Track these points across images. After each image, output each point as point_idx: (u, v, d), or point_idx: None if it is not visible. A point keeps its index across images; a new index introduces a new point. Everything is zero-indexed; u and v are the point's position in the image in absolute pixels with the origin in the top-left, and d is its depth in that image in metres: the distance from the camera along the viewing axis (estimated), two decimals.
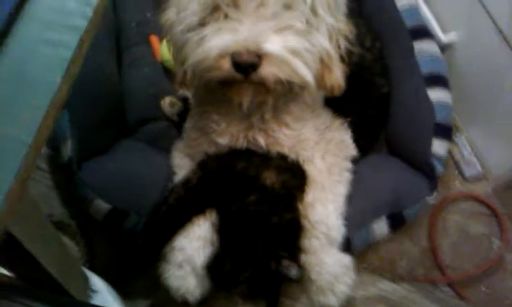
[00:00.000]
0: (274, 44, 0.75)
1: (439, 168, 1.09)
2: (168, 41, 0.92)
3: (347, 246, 1.02)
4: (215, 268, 0.96)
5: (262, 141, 0.98)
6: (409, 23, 1.22)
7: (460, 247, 1.31)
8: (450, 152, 1.40)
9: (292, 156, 1.00)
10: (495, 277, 1.28)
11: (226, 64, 0.77)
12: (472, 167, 1.37)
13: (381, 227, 1.07)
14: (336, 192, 1.02)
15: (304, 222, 0.99)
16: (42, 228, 0.66)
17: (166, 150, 1.16)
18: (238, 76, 0.78)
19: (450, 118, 1.13)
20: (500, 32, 1.15)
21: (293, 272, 0.90)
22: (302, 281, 1.01)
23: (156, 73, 1.36)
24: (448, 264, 1.29)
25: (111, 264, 1.21)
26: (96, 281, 1.01)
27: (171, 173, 1.09)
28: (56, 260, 0.69)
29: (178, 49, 0.86)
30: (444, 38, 1.33)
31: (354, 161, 1.08)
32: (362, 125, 1.15)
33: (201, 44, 0.78)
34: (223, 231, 0.96)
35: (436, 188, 1.10)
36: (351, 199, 1.05)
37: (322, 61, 0.84)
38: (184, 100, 1.25)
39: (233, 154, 1.00)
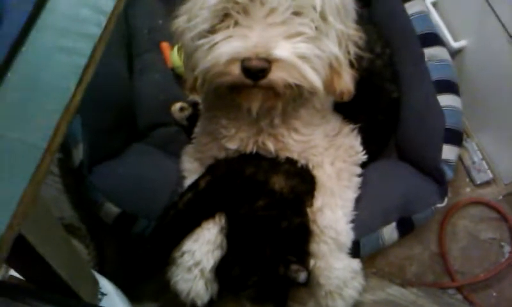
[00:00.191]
0: (283, 50, 0.76)
1: (449, 173, 1.08)
2: (178, 48, 0.93)
3: (356, 251, 1.02)
4: (224, 272, 0.96)
5: (271, 146, 0.98)
6: (419, 29, 1.22)
7: (470, 252, 1.31)
8: (460, 158, 1.39)
9: (301, 161, 1.01)
10: (505, 282, 1.28)
11: (236, 70, 0.77)
12: (482, 173, 1.36)
13: (390, 232, 1.07)
14: (345, 198, 1.03)
15: (313, 227, 0.99)
16: (53, 231, 0.66)
17: (176, 155, 1.16)
18: (247, 81, 0.78)
19: (461, 123, 1.12)
20: (511, 37, 1.15)
21: (301, 276, 0.91)
22: (310, 285, 1.01)
23: (166, 79, 1.37)
24: (458, 269, 1.28)
25: (120, 267, 1.22)
26: (106, 284, 1.02)
27: (180, 178, 1.10)
28: (66, 263, 0.70)
29: (189, 56, 0.87)
30: (454, 44, 1.33)
31: (363, 166, 1.08)
32: (372, 130, 1.15)
33: (211, 51, 0.79)
34: (231, 235, 0.97)
35: (446, 193, 1.09)
36: (360, 204, 1.05)
37: (331, 66, 0.84)
38: (194, 105, 1.26)
39: (242, 159, 1.00)
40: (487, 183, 1.37)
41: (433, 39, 1.21)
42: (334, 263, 0.98)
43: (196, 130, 1.12)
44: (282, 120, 0.96)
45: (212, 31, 0.80)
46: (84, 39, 0.51)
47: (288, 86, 0.79)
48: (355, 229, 1.02)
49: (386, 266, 1.27)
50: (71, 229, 1.22)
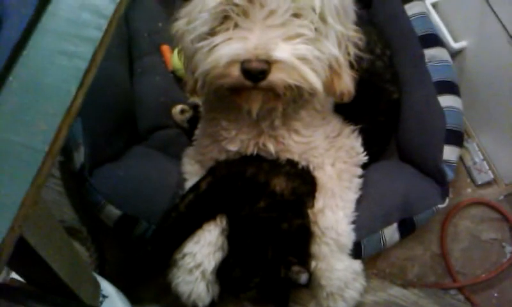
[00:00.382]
0: (283, 51, 0.76)
1: (450, 174, 1.09)
2: (178, 51, 0.93)
3: (357, 252, 1.02)
4: (225, 273, 0.96)
5: (271, 147, 0.98)
6: (420, 30, 1.23)
7: (471, 253, 1.31)
8: (461, 158, 1.39)
9: (302, 163, 1.01)
10: (506, 283, 1.28)
11: (236, 72, 0.77)
12: (483, 173, 1.36)
13: (391, 233, 1.07)
14: (346, 199, 1.03)
15: (314, 229, 0.99)
16: (55, 234, 0.67)
17: (177, 157, 1.17)
18: (247, 83, 0.78)
19: (461, 124, 1.13)
20: (511, 38, 1.15)
21: (303, 278, 0.91)
22: (311, 287, 1.01)
23: (167, 82, 1.38)
24: (459, 270, 1.28)
25: (121, 270, 1.22)
26: (107, 287, 1.02)
27: (181, 180, 1.10)
28: (67, 265, 0.70)
29: (189, 58, 0.87)
30: (454, 44, 1.33)
31: (364, 167, 1.08)
32: (373, 131, 1.15)
33: (211, 53, 0.79)
34: (233, 237, 0.97)
35: (447, 194, 1.10)
36: (361, 205, 1.05)
37: (331, 67, 0.84)
38: (195, 108, 1.26)
39: (243, 160, 1.00)
40: (488, 184, 1.37)
41: (433, 40, 1.22)
42: (335, 264, 0.98)
43: (197, 132, 1.12)
44: (282, 122, 0.96)
45: (211, 33, 0.80)
46: (84, 43, 0.51)
47: (288, 87, 0.79)
48: (356, 230, 1.02)
49: (388, 267, 1.27)
50: (72, 232, 1.22)
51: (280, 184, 0.97)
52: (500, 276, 1.28)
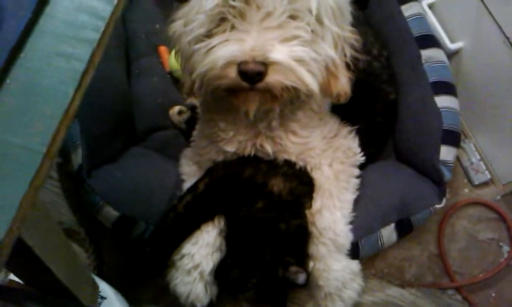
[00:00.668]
0: (279, 53, 0.76)
1: (447, 174, 1.09)
2: (176, 52, 0.93)
3: (355, 252, 1.03)
4: (223, 274, 0.97)
5: (269, 148, 0.98)
6: (416, 31, 1.23)
7: (468, 253, 1.31)
8: (458, 158, 1.40)
9: (299, 163, 1.01)
10: (504, 282, 1.28)
11: (233, 73, 0.77)
12: (480, 173, 1.36)
13: (389, 233, 1.07)
14: (344, 199, 1.03)
15: (312, 229, 0.99)
16: (53, 235, 0.67)
17: (175, 158, 1.17)
18: (244, 85, 0.78)
19: (458, 124, 1.13)
20: (507, 39, 1.15)
21: (301, 278, 0.91)
22: (309, 287, 1.01)
23: (164, 83, 1.38)
24: (457, 269, 1.29)
25: (119, 271, 1.22)
26: (105, 288, 1.02)
27: (179, 181, 1.11)
28: (66, 267, 0.70)
29: (186, 59, 0.87)
30: (451, 45, 1.34)
31: (362, 167, 1.09)
32: (370, 132, 1.16)
33: (208, 54, 0.79)
34: (230, 237, 0.97)
35: (445, 194, 1.10)
36: (359, 205, 1.06)
37: (327, 69, 0.85)
38: (192, 109, 1.26)
39: (241, 161, 1.01)
40: (485, 184, 1.38)
41: (430, 41, 1.22)
42: (333, 264, 0.99)
43: (195, 133, 1.12)
44: (280, 123, 0.97)
45: (208, 35, 0.81)
46: (82, 45, 0.51)
47: (285, 88, 0.80)
48: (354, 230, 1.03)
49: (385, 267, 1.28)
50: (70, 233, 1.22)
51: (277, 185, 0.97)
52: (498, 276, 1.28)
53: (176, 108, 1.30)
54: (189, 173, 1.10)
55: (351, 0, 0.89)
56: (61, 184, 1.32)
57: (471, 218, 1.35)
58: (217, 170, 1.01)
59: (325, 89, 0.87)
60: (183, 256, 0.97)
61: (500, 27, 1.17)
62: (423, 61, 1.19)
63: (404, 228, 1.09)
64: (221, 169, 1.01)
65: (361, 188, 1.08)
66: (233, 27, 0.78)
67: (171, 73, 1.40)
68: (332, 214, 1.00)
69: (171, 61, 1.37)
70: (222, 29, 0.79)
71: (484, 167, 1.37)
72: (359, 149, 1.08)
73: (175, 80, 1.39)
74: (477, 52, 1.31)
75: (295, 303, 1.15)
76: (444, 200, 1.10)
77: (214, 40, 0.79)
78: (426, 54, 1.20)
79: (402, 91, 1.23)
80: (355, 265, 1.02)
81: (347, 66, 0.89)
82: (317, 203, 1.01)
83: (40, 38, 0.51)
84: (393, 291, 1.24)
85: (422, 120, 1.16)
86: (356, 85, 0.92)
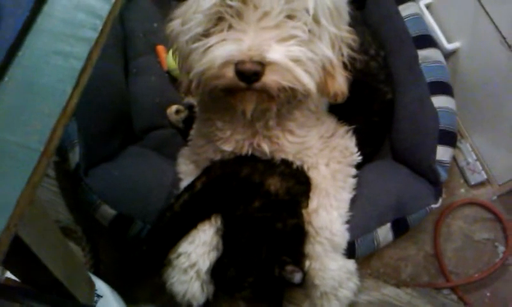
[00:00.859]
0: (276, 53, 0.76)
1: (443, 174, 1.09)
2: (173, 51, 0.94)
3: (351, 252, 1.03)
4: (219, 273, 0.97)
5: (266, 147, 0.98)
6: (413, 31, 1.24)
7: (464, 253, 1.31)
8: (454, 159, 1.40)
9: (296, 162, 1.01)
10: (499, 282, 1.29)
11: (230, 73, 0.78)
12: (477, 174, 1.37)
13: (385, 233, 1.08)
14: (340, 198, 1.03)
15: (309, 228, 1.00)
16: (50, 233, 0.67)
17: (172, 157, 1.17)
18: (241, 84, 0.79)
19: (455, 124, 1.13)
20: (504, 39, 1.16)
21: (297, 277, 0.91)
22: (305, 286, 1.01)
23: (162, 82, 1.38)
24: (452, 269, 1.29)
25: (116, 269, 1.22)
26: (102, 286, 1.02)
27: (176, 180, 1.11)
28: (62, 265, 0.70)
29: (184, 58, 0.87)
30: (448, 45, 1.34)
31: (358, 167, 1.09)
32: (367, 131, 1.16)
33: (206, 54, 0.80)
34: (227, 236, 0.97)
35: (441, 194, 1.10)
36: (355, 204, 1.06)
37: (324, 68, 0.85)
38: (190, 108, 1.26)
39: (238, 160, 1.01)
40: (481, 184, 1.38)
41: (427, 41, 1.23)
42: (329, 263, 0.99)
43: (192, 132, 1.12)
44: (277, 122, 0.97)
45: (206, 34, 0.81)
46: (80, 43, 0.51)
47: (282, 88, 0.80)
48: (350, 230, 1.03)
49: (381, 267, 1.28)
50: (67, 232, 1.22)
51: (274, 184, 0.97)
52: (493, 276, 1.29)
53: (174, 107, 1.30)
54: (186, 171, 1.10)
55: (349, 0, 0.89)
56: (58, 183, 1.32)
57: (467, 218, 1.36)
58: (214, 169, 1.02)
59: (322, 88, 0.87)
60: (179, 255, 0.97)
61: (496, 27, 1.17)
62: (420, 61, 1.19)
63: (400, 228, 1.09)
64: (218, 168, 1.01)
65: (358, 187, 1.08)
66: (230, 27, 0.78)
67: (168, 72, 1.40)
68: (329, 213, 1.00)
69: (169, 60, 1.37)
70: (219, 28, 0.79)
71: (481, 168, 1.37)
72: (356, 149, 1.08)
73: (173, 79, 1.39)
74: (473, 52, 1.32)
75: (291, 302, 1.15)
76: (440, 200, 1.10)
77: (212, 40, 0.79)
78: (423, 54, 1.20)
79: (399, 91, 1.23)
80: (351, 264, 1.03)
81: (345, 65, 0.89)
82: (313, 203, 1.01)
83: (38, 37, 0.52)
84: (389, 291, 1.24)
85: (418, 120, 1.17)
86: (353, 85, 0.92)
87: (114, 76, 1.27)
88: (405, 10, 1.28)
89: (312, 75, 0.80)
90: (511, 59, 1.16)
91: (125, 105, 1.29)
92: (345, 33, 0.87)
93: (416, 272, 1.28)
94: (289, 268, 0.92)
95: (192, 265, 0.96)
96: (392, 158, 1.26)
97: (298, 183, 1.01)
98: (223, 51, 0.77)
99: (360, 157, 1.08)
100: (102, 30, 0.52)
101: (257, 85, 0.78)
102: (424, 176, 1.13)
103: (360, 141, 1.09)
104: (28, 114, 0.48)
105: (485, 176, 1.37)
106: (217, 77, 0.80)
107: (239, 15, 0.77)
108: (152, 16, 1.45)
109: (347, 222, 1.03)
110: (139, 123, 1.30)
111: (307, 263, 1.00)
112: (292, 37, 0.78)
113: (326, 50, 0.82)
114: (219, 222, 0.99)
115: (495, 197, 1.37)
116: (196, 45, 0.81)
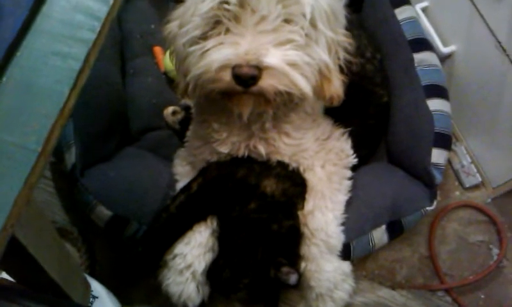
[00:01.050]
0: (273, 57, 0.76)
1: (438, 177, 1.10)
2: (171, 53, 0.94)
3: (346, 253, 1.03)
4: (215, 274, 0.97)
5: (262, 149, 0.99)
6: (409, 35, 1.24)
7: (459, 255, 1.32)
8: (449, 161, 1.41)
9: (292, 164, 1.01)
10: (493, 285, 1.29)
11: (227, 77, 0.78)
12: (471, 176, 1.38)
13: (380, 235, 1.08)
14: (336, 200, 1.04)
15: (304, 230, 1.00)
16: (46, 234, 0.67)
17: (168, 158, 1.17)
18: (238, 88, 0.79)
19: (450, 127, 1.14)
20: (499, 43, 1.17)
21: (292, 279, 0.91)
22: (301, 288, 1.02)
23: (159, 83, 1.38)
24: (447, 271, 1.30)
25: (111, 270, 1.22)
26: (97, 287, 1.02)
27: (172, 181, 1.11)
28: (58, 266, 0.70)
29: (181, 61, 0.88)
30: (444, 49, 1.35)
31: (354, 169, 1.09)
32: (363, 134, 1.16)
33: (203, 57, 0.80)
34: (223, 238, 0.97)
35: (436, 197, 1.11)
36: (351, 206, 1.06)
37: (321, 72, 0.85)
38: (187, 109, 1.27)
39: (234, 162, 1.01)
40: (476, 187, 1.39)
41: (423, 44, 1.23)
42: (324, 265, 0.99)
43: (188, 133, 1.12)
44: (273, 124, 0.97)
45: (203, 37, 0.81)
46: (78, 44, 0.51)
47: (279, 92, 0.80)
48: (346, 231, 1.03)
49: (377, 269, 1.28)
50: (63, 233, 1.22)
51: (270, 186, 0.98)
52: (487, 278, 1.29)
53: (171, 108, 1.30)
54: (183, 173, 1.10)
55: (345, 3, 0.89)
56: (54, 183, 1.32)
57: (461, 220, 1.36)
58: (210, 170, 1.02)
59: (318, 92, 0.87)
60: (175, 256, 0.97)
61: (492, 31, 1.18)
62: (416, 64, 1.20)
63: (395, 230, 1.09)
64: (214, 169, 1.02)
65: (354, 189, 1.08)
66: (228, 30, 0.78)
67: (165, 74, 1.40)
68: (324, 215, 1.00)
69: (166, 61, 1.37)
70: (217, 31, 0.79)
71: (475, 170, 1.38)
72: (351, 151, 1.08)
73: (170, 81, 1.39)
74: (469, 56, 1.32)
75: (286, 304, 1.15)
76: (435, 202, 1.11)
77: (209, 43, 0.79)
78: (419, 57, 1.21)
79: (394, 94, 1.23)
80: (346, 266, 1.03)
81: (341, 69, 0.90)
82: (309, 204, 1.01)
83: (37, 37, 0.52)
84: (384, 293, 1.25)
85: (414, 123, 1.17)
86: (349, 88, 0.93)
87: (111, 77, 1.27)
88: (401, 13, 1.28)
89: (309, 79, 0.81)
90: (505, 63, 1.16)
91: (121, 106, 1.29)
92: (342, 37, 0.87)
93: (411, 274, 1.29)
94: (285, 269, 0.92)
95: (188, 266, 0.96)
96: (387, 160, 1.27)
97: (294, 185, 1.01)
98: (220, 55, 0.77)
99: (356, 160, 1.09)
100: (100, 31, 0.52)
101: (254, 89, 0.78)
102: (419, 178, 1.14)
103: (355, 143, 1.09)
104: (26, 114, 0.48)
105: (480, 179, 1.38)
106: (214, 81, 0.80)
107: (237, 18, 0.77)
108: (149, 18, 1.46)
109: (343, 224, 1.03)
110: (136, 124, 1.30)
111: (303, 264, 1.00)
112: (289, 41, 0.78)
113: (322, 54, 0.82)
114: (215, 223, 0.99)
115: (489, 200, 1.37)
116: (193, 48, 0.81)
